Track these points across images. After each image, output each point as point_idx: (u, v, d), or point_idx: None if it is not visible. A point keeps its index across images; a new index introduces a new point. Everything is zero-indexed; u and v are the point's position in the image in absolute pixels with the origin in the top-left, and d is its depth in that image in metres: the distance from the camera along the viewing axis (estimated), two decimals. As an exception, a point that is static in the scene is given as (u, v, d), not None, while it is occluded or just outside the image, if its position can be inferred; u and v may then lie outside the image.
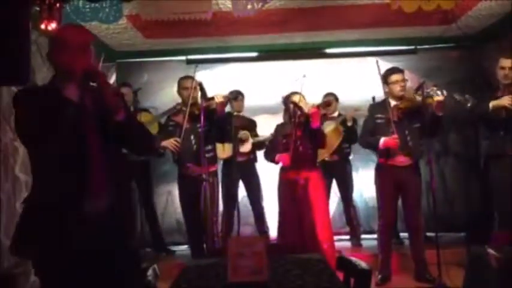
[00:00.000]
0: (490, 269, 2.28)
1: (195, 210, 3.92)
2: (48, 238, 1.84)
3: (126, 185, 2.12)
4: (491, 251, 2.31)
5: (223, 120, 4.16)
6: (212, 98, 4.07)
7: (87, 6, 4.11)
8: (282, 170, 4.44)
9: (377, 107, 4.40)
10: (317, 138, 4.25)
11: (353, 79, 5.99)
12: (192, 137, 4.19)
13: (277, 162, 4.41)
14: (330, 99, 5.10)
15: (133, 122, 2.11)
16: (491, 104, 4.07)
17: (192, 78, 4.30)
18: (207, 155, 4.19)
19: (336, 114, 5.45)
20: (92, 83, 1.86)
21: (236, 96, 4.86)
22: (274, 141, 4.53)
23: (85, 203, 1.88)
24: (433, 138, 4.02)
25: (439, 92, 3.88)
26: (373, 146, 4.30)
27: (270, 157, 4.56)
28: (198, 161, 4.10)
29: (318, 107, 4.25)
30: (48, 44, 2.07)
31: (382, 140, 4.10)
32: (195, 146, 4.12)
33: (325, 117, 5.04)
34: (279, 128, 4.52)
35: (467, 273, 2.57)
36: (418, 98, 4.05)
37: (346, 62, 6.21)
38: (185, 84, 4.30)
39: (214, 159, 4.41)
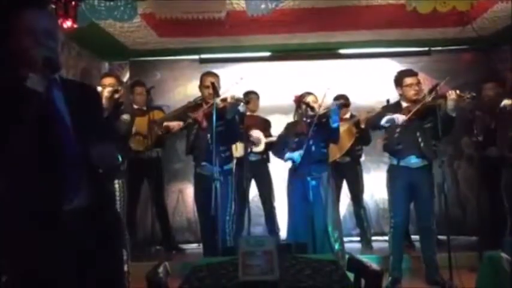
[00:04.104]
0: (503, 274, 2.26)
1: (208, 209, 3.92)
2: (18, 246, 1.71)
3: (105, 185, 1.98)
4: (504, 255, 2.28)
5: (234, 121, 4.16)
6: (225, 99, 4.08)
7: (102, 4, 4.15)
8: (293, 169, 4.43)
9: (389, 107, 4.37)
10: (332, 135, 4.24)
11: (366, 80, 5.99)
12: (208, 136, 4.19)
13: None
14: (345, 102, 5.11)
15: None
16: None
17: (213, 74, 4.30)
18: (222, 155, 4.19)
19: (348, 115, 5.43)
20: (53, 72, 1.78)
21: (249, 98, 4.84)
22: (283, 137, 4.51)
23: (57, 204, 1.74)
24: (444, 136, 3.96)
25: (454, 93, 3.85)
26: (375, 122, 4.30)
27: (279, 154, 4.54)
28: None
29: (338, 106, 4.25)
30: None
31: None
32: (211, 146, 4.11)
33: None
34: (289, 126, 4.51)
35: (480, 278, 2.54)
36: (428, 99, 4.03)
37: (359, 62, 6.20)
38: (204, 82, 4.31)
39: (229, 158, 4.41)
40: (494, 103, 4.25)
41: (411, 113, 4.02)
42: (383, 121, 4.15)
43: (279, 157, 4.54)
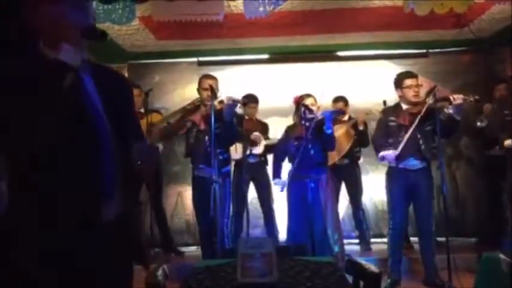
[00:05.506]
0: (501, 275, 2.26)
1: (206, 211, 3.92)
2: (33, 262, 1.38)
3: (136, 190, 1.79)
4: (503, 256, 2.29)
5: (232, 123, 4.16)
6: (222, 101, 4.07)
7: (101, 7, 4.16)
8: (292, 172, 4.43)
9: (389, 110, 4.36)
10: (328, 142, 4.24)
11: (364, 82, 6.00)
12: (206, 138, 4.19)
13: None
14: (342, 110, 5.15)
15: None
16: None
17: (212, 77, 4.30)
18: (220, 157, 4.18)
19: (346, 117, 5.43)
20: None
21: (247, 102, 4.82)
22: (283, 141, 4.51)
23: (89, 213, 1.44)
24: (447, 139, 3.95)
25: (460, 97, 3.84)
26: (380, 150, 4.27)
27: (280, 158, 4.55)
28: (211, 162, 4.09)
29: (332, 113, 4.26)
30: None
31: (382, 153, 4.17)
32: (208, 148, 4.10)
33: (336, 121, 5.03)
34: (289, 129, 4.51)
35: (478, 279, 2.54)
36: (430, 101, 4.02)
37: (357, 64, 6.21)
38: (203, 84, 4.31)
39: (227, 161, 4.41)
40: (505, 103, 4.28)
41: (416, 120, 4.01)
42: (378, 159, 4.25)
43: (280, 159, 4.54)
